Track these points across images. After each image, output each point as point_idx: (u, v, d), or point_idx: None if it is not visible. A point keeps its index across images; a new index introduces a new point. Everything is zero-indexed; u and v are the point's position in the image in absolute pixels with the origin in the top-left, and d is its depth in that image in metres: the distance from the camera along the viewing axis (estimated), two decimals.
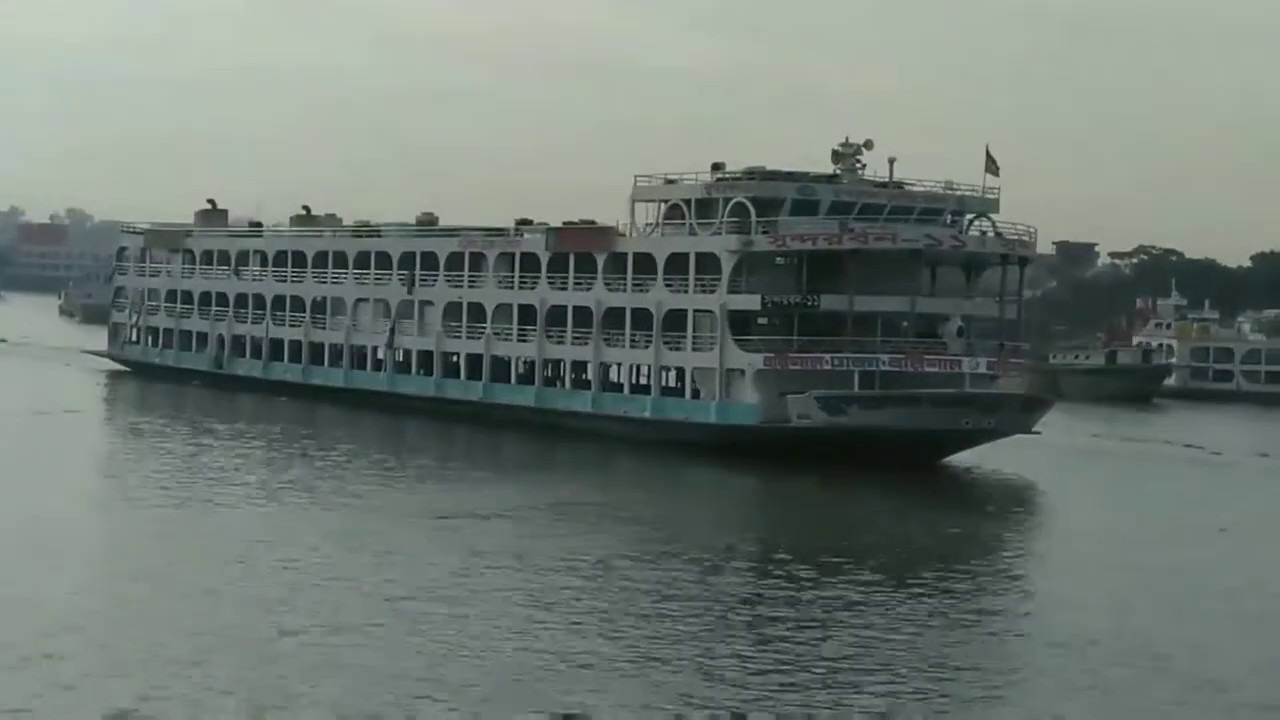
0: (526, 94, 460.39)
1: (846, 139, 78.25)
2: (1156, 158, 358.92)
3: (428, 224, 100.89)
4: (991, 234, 77.56)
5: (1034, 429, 74.46)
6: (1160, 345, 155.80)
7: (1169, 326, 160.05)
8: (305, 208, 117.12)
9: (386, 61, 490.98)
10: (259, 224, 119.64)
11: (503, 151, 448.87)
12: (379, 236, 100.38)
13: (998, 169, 75.41)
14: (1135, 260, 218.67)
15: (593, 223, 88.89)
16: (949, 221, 77.97)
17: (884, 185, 77.44)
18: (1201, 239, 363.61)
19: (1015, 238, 77.20)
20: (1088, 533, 58.16)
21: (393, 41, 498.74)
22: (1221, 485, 76.40)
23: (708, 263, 77.07)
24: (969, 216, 78.53)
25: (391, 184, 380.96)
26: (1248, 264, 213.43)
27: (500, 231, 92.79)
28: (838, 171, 77.85)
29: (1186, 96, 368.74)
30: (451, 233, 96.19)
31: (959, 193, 77.99)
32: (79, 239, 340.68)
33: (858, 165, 77.91)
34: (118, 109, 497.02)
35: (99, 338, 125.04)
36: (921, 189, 77.96)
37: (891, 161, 77.35)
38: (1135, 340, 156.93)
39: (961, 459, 73.87)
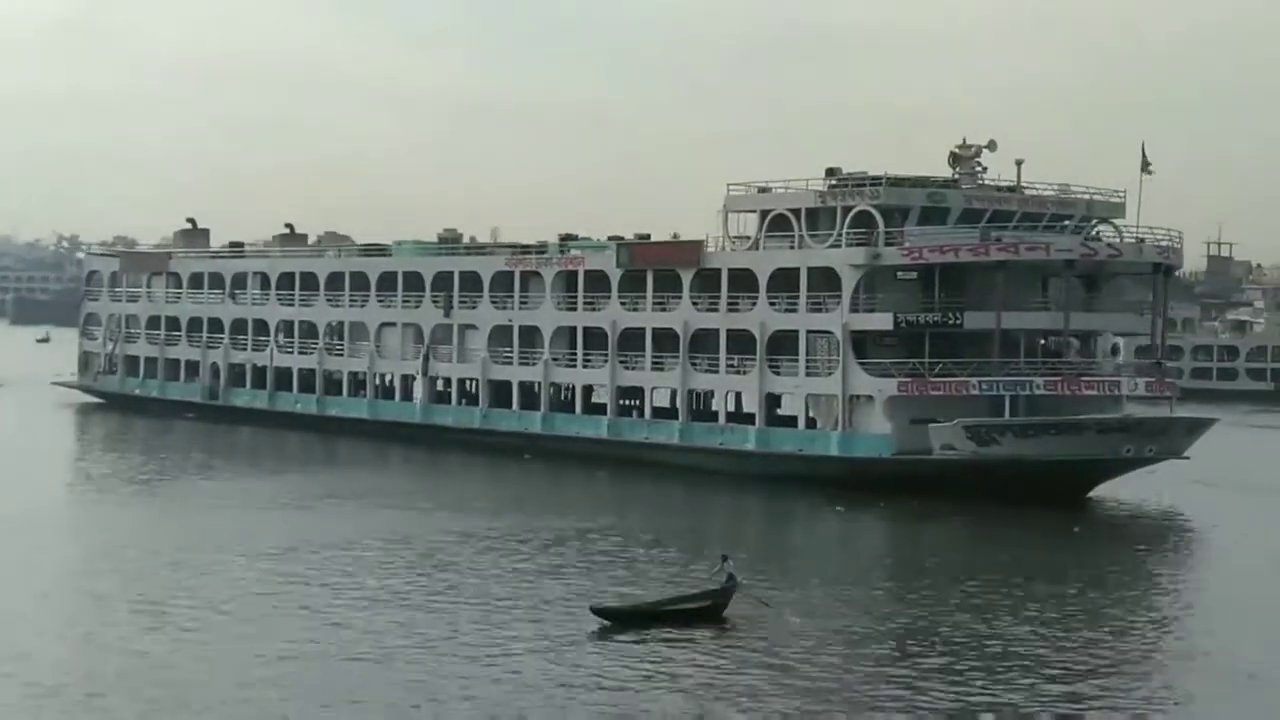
0: None
1: (964, 140, 71.26)
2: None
3: (451, 241, 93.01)
4: (1132, 240, 70.79)
5: (1185, 454, 67.72)
6: None
7: None
8: (289, 225, 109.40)
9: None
10: (239, 244, 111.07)
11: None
12: (393, 256, 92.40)
13: (1150, 168, 68.55)
14: None
15: (648, 236, 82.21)
16: (1074, 228, 71.21)
17: (1010, 190, 70.58)
18: None
19: (1168, 244, 70.27)
20: None
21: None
22: None
23: (821, 278, 69.66)
24: (1093, 221, 72.00)
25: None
26: None
27: (539, 249, 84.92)
28: (956, 176, 70.79)
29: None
30: (480, 249, 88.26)
31: (1085, 196, 71.37)
32: None
33: (978, 169, 70.90)
34: None
35: None
36: (1049, 193, 71.14)
37: (1019, 164, 70.56)
38: None
39: None
